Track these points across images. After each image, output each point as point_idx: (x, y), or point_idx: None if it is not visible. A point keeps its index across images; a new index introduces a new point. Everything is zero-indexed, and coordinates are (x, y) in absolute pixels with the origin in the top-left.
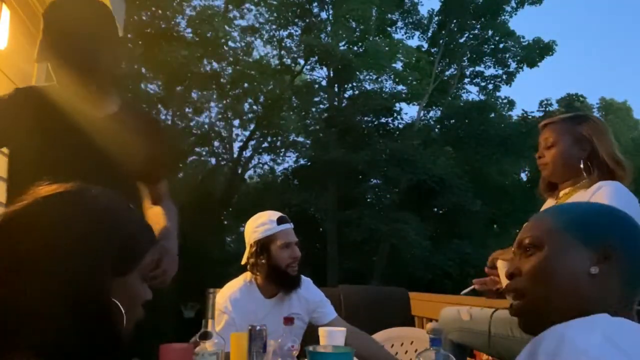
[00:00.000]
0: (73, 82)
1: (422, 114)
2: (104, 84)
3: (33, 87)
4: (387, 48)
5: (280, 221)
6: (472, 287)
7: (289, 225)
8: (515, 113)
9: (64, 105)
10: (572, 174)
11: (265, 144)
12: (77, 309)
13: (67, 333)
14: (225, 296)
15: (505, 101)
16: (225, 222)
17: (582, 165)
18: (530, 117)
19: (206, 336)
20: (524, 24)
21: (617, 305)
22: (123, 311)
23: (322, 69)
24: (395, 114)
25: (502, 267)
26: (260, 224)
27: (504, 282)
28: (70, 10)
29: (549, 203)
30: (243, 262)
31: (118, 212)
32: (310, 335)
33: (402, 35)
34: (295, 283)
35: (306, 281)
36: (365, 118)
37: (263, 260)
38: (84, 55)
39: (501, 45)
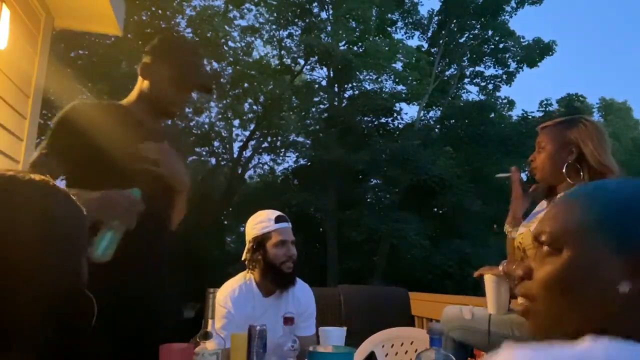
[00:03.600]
0: (155, 108)
1: (422, 114)
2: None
3: (94, 104)
4: (387, 48)
5: (278, 220)
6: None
7: (287, 224)
8: (515, 113)
9: (127, 116)
10: (562, 178)
11: (265, 144)
12: (55, 306)
13: (51, 329)
14: (225, 293)
15: (505, 101)
16: (225, 222)
17: (564, 170)
18: (530, 117)
19: (206, 336)
20: (524, 24)
21: None
22: (93, 299)
23: (322, 69)
24: (395, 114)
25: (489, 281)
26: (258, 222)
27: (489, 297)
28: (198, 57)
29: (543, 204)
30: (243, 258)
31: (60, 196)
32: None
33: (402, 35)
34: (290, 281)
35: (305, 286)
36: (365, 118)
37: (259, 257)
38: (184, 103)
39: (501, 45)
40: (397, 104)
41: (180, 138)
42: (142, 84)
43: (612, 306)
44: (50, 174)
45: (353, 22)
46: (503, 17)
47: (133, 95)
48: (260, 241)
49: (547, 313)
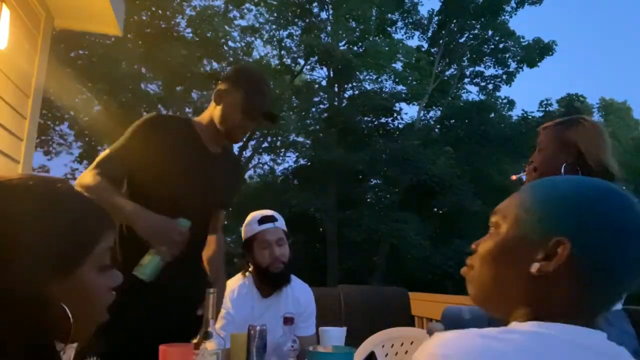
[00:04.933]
0: (221, 131)
1: (422, 114)
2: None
3: (166, 118)
4: (387, 48)
5: (261, 221)
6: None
7: (271, 225)
8: (515, 113)
9: (193, 138)
10: None
11: (265, 144)
12: (16, 317)
13: (11, 342)
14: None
15: (505, 101)
16: (225, 222)
17: (562, 171)
18: (530, 117)
19: (206, 336)
20: (524, 24)
21: (567, 312)
22: (69, 313)
23: (322, 69)
24: (395, 114)
25: None
26: (247, 224)
27: None
28: (268, 89)
29: None
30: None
31: (57, 201)
32: None
33: (402, 35)
34: (281, 281)
35: (304, 286)
36: (365, 118)
37: (249, 260)
38: (248, 130)
39: (501, 45)
40: (397, 104)
41: (237, 164)
42: (214, 109)
43: (520, 289)
44: (111, 174)
45: (353, 22)
46: (503, 17)
47: (205, 117)
48: (247, 244)
49: (477, 281)
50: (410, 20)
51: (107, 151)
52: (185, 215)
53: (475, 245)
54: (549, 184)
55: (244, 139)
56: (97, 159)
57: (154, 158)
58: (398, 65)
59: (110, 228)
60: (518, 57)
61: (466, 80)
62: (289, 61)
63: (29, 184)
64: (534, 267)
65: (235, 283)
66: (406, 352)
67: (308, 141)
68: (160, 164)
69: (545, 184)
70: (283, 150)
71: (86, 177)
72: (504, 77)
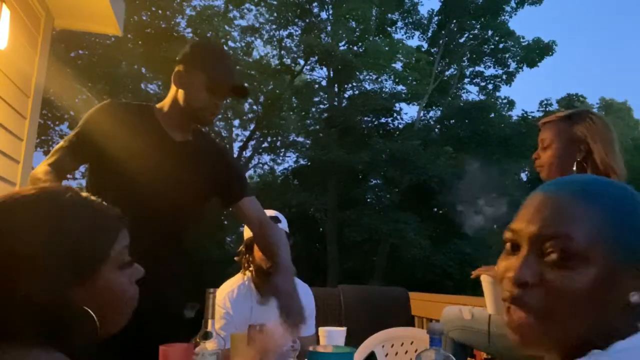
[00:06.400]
0: (189, 115)
1: (422, 114)
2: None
3: (123, 104)
4: (387, 48)
5: None
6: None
7: None
8: (515, 113)
9: (151, 125)
10: None
11: (265, 144)
12: (43, 326)
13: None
14: (223, 294)
15: (505, 101)
16: (225, 222)
17: (574, 168)
18: (530, 117)
19: (206, 336)
20: (524, 24)
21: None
22: (94, 316)
23: (322, 69)
24: (395, 114)
25: (486, 281)
26: None
27: (488, 298)
28: (230, 61)
29: None
30: (236, 258)
31: (68, 210)
32: None
33: (402, 35)
34: None
35: (304, 286)
36: (365, 118)
37: (250, 261)
38: (218, 109)
39: (501, 45)
40: (397, 104)
41: (217, 151)
42: (175, 92)
43: (618, 320)
44: (60, 166)
45: (353, 22)
46: (503, 17)
47: (167, 102)
48: (248, 245)
49: (567, 328)
50: (410, 20)
51: (62, 141)
52: (150, 208)
53: (534, 276)
54: (617, 196)
55: (244, 140)
56: (54, 149)
57: (107, 147)
58: (398, 65)
59: (124, 227)
60: (518, 57)
61: (466, 80)
62: (289, 61)
63: (40, 197)
64: (636, 297)
65: (234, 283)
66: (406, 352)
67: (308, 141)
68: (113, 153)
69: (615, 198)
70: (283, 150)
71: (39, 169)
72: (504, 77)
